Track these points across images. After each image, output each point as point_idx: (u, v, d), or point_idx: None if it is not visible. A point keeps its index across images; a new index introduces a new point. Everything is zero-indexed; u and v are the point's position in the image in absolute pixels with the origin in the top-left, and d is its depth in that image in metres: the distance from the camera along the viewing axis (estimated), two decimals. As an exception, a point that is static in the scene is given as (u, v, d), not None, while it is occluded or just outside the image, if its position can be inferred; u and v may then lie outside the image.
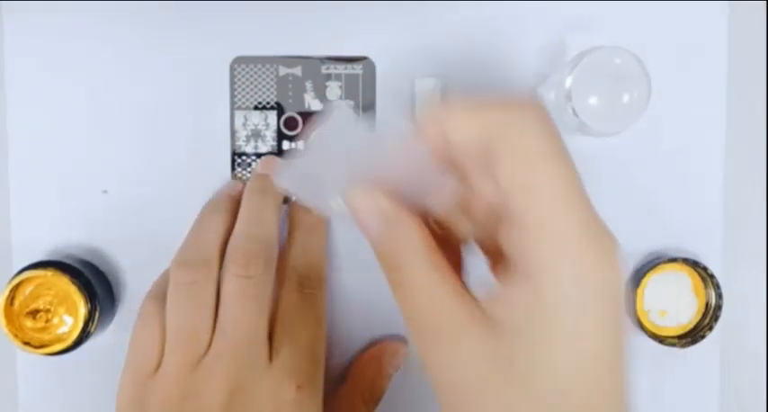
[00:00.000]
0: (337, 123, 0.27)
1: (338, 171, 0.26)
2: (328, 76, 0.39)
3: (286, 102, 0.39)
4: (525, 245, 0.23)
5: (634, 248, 0.40)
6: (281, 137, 0.39)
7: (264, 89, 0.39)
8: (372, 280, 0.39)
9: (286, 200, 0.39)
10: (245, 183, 0.39)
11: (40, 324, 0.37)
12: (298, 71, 0.39)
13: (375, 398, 0.38)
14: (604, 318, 0.23)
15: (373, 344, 0.39)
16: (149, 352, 0.33)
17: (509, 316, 0.23)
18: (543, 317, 0.23)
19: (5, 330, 0.36)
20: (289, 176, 0.27)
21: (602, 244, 0.24)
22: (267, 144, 0.39)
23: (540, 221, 0.23)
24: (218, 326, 0.33)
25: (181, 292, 0.33)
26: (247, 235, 0.35)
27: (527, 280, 0.23)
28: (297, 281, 0.35)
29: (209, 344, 0.32)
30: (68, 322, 0.37)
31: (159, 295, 0.34)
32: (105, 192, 0.39)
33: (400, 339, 0.39)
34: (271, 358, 0.33)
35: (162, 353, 0.33)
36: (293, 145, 0.39)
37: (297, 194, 0.32)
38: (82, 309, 0.36)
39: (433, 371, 0.25)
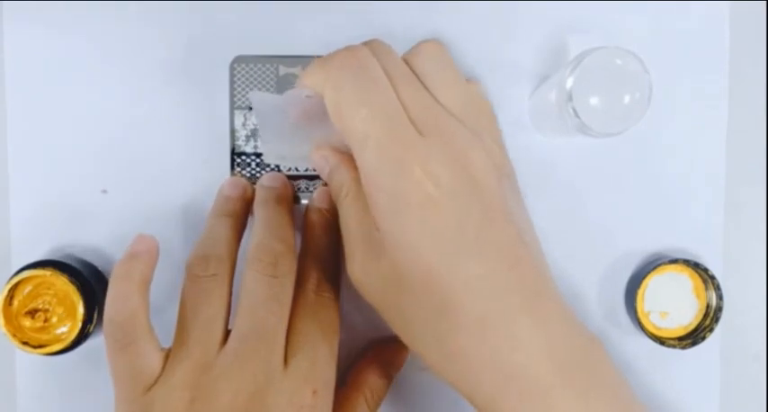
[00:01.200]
0: (265, 110, 0.35)
1: (298, 141, 0.35)
2: (328, 76, 0.39)
3: (286, 101, 0.39)
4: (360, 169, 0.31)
5: (635, 250, 0.40)
6: (280, 137, 0.39)
7: (264, 89, 0.39)
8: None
9: (297, 199, 0.39)
10: (247, 180, 0.39)
11: (39, 323, 0.37)
12: (298, 71, 0.39)
13: (377, 399, 0.37)
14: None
15: (374, 345, 0.39)
16: (144, 371, 0.31)
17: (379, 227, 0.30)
18: (385, 220, 0.30)
19: (4, 330, 0.36)
20: (272, 157, 0.37)
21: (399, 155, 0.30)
22: (267, 144, 0.39)
23: (357, 157, 0.30)
24: (236, 327, 0.32)
25: (199, 285, 0.33)
26: (272, 235, 0.34)
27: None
28: (314, 284, 0.35)
29: (221, 346, 0.32)
30: (67, 322, 0.37)
31: (119, 323, 0.32)
32: (104, 191, 0.39)
33: (401, 340, 0.39)
34: (286, 362, 0.32)
35: (161, 364, 0.31)
36: (293, 145, 0.39)
37: (284, 163, 0.38)
38: (80, 309, 0.36)
39: (349, 275, 0.32)
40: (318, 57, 0.33)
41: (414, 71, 0.33)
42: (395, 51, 0.33)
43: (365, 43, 0.32)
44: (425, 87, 0.32)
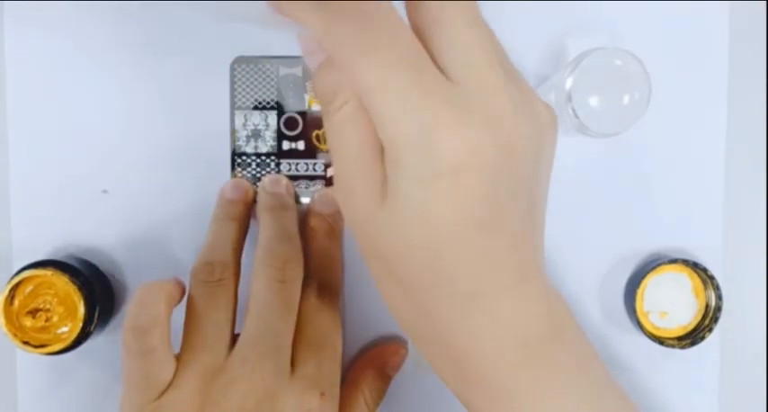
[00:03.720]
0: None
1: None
2: (328, 77, 0.39)
3: (286, 102, 0.39)
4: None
5: (634, 250, 0.40)
6: (281, 137, 0.39)
7: (265, 89, 0.39)
8: (372, 282, 0.39)
9: (296, 198, 0.39)
10: (249, 183, 0.39)
11: (40, 323, 0.37)
12: (298, 71, 0.39)
13: (375, 399, 0.38)
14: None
15: (373, 345, 0.39)
16: (157, 380, 0.31)
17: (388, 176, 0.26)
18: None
19: (5, 329, 0.36)
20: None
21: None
22: (267, 144, 0.39)
23: (372, 106, 0.25)
24: (244, 331, 0.32)
25: (206, 290, 0.33)
26: (279, 241, 0.34)
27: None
28: (316, 289, 0.35)
29: (229, 350, 0.32)
30: (68, 322, 0.37)
31: (141, 327, 0.32)
32: (105, 191, 0.39)
33: (400, 340, 0.39)
34: (293, 365, 0.32)
35: (172, 375, 0.31)
36: (293, 145, 0.39)
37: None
38: (81, 309, 0.36)
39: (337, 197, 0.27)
40: None
41: None
42: None
43: None
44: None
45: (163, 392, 0.31)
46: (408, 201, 0.25)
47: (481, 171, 0.25)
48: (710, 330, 0.38)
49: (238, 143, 0.39)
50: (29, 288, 0.37)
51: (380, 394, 0.38)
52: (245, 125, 0.39)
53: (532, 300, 0.28)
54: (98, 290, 0.37)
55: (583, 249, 0.40)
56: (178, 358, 0.32)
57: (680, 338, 0.39)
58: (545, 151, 0.28)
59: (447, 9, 0.25)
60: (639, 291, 0.38)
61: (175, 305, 0.33)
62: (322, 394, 0.32)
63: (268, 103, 0.39)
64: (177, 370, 0.32)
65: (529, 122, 0.26)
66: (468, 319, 0.27)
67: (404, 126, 0.24)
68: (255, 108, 0.39)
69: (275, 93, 0.39)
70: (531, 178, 0.27)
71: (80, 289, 0.36)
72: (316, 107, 0.39)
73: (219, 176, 0.39)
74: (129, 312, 0.32)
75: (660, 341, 0.38)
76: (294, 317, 0.33)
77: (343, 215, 0.28)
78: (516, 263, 0.28)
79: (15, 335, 0.36)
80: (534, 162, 0.27)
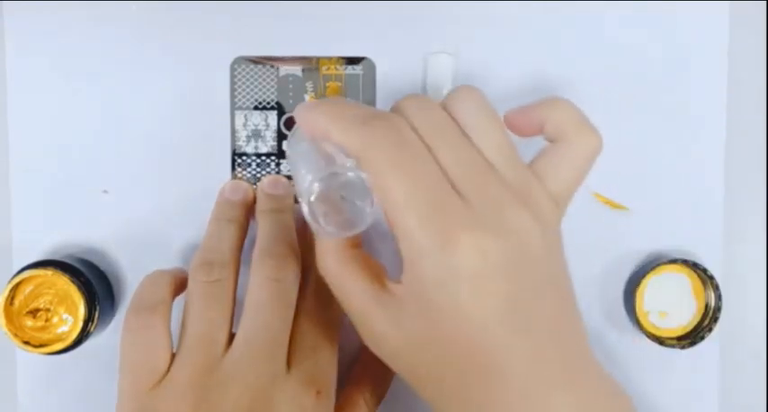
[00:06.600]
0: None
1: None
2: (328, 77, 0.39)
3: (286, 102, 0.39)
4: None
5: (634, 250, 0.40)
6: (281, 137, 0.39)
7: (265, 89, 0.39)
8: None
9: (295, 199, 0.39)
10: (249, 184, 0.39)
11: (40, 323, 0.37)
12: (298, 71, 0.39)
13: (375, 399, 0.37)
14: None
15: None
16: (153, 360, 0.32)
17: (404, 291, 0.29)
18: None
19: (5, 329, 0.36)
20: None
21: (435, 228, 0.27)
22: (267, 144, 0.39)
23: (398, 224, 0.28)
24: (241, 330, 0.32)
25: (203, 290, 0.33)
26: (276, 241, 0.35)
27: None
28: (315, 288, 0.35)
29: (225, 349, 0.32)
30: (68, 321, 0.37)
31: (144, 306, 0.33)
32: (105, 191, 0.39)
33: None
34: (289, 364, 0.33)
35: (168, 360, 0.32)
36: (293, 145, 0.39)
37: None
38: (82, 309, 0.36)
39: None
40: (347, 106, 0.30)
41: (454, 119, 0.30)
42: (433, 104, 0.30)
43: (403, 100, 0.31)
44: (467, 135, 0.30)
45: (158, 383, 0.31)
46: (437, 309, 0.28)
47: (497, 275, 0.27)
48: (710, 330, 0.38)
49: (238, 143, 0.39)
50: (29, 288, 0.37)
51: (381, 394, 0.38)
52: (245, 125, 0.39)
53: (585, 392, 0.29)
54: (98, 290, 0.37)
55: (583, 249, 0.40)
56: (174, 356, 0.32)
57: (680, 338, 0.39)
58: (555, 246, 0.30)
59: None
60: (639, 291, 0.38)
61: (179, 293, 0.34)
62: (318, 392, 0.32)
63: (268, 103, 0.39)
64: (173, 366, 0.32)
65: (533, 222, 0.28)
66: None
67: (420, 237, 0.27)
68: (256, 108, 0.39)
69: (275, 93, 0.39)
70: (549, 276, 0.29)
71: (80, 289, 0.36)
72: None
73: (219, 176, 0.39)
74: (133, 297, 0.33)
75: (660, 341, 0.38)
76: (291, 316, 0.33)
77: (367, 344, 0.31)
78: (561, 356, 0.28)
79: (15, 335, 0.36)
80: (548, 260, 0.29)
